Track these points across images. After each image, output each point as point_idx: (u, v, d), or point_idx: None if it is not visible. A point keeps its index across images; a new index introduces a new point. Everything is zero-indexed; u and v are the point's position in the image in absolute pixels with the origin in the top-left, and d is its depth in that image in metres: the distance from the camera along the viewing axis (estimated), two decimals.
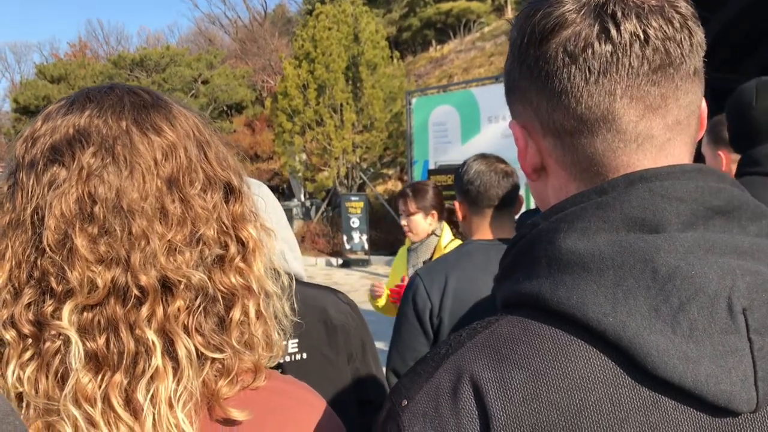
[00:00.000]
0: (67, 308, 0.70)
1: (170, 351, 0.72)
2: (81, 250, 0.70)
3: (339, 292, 1.70)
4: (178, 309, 0.73)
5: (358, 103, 17.71)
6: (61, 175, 0.73)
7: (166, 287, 0.73)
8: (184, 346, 0.72)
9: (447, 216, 3.37)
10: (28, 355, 0.70)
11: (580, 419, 0.59)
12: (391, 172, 20.90)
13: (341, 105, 17.49)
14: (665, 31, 0.66)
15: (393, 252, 16.10)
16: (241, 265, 0.79)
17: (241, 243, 0.80)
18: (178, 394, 0.71)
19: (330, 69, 17.30)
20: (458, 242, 3.25)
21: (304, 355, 1.51)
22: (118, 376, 0.70)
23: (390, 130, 18.22)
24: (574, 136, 0.69)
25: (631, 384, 0.59)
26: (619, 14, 0.66)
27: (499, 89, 13.78)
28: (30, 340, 0.71)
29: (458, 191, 2.19)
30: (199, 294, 0.74)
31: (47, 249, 0.70)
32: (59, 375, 0.70)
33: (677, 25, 0.67)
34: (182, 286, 0.73)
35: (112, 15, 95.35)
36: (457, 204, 2.21)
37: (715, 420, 0.58)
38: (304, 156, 18.51)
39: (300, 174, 18.72)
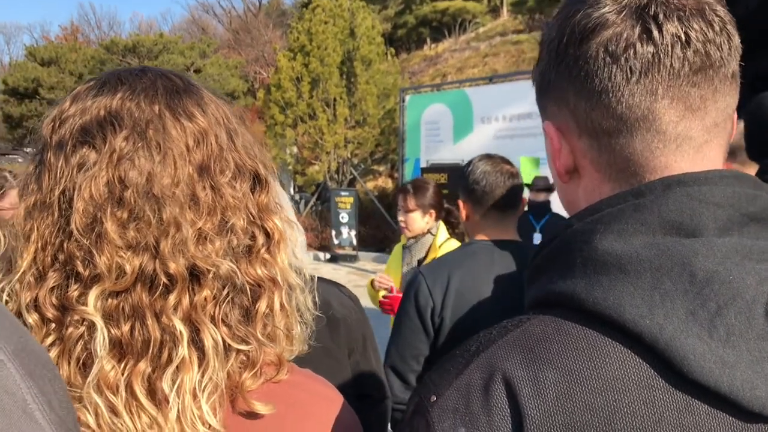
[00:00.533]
0: (93, 293, 0.68)
1: (196, 341, 0.71)
2: (111, 234, 0.68)
3: (342, 286, 1.70)
4: (205, 299, 0.71)
5: (351, 98, 17.67)
6: (90, 157, 0.71)
7: (194, 276, 0.72)
8: (210, 336, 0.71)
9: (444, 216, 3.37)
10: (50, 340, 0.69)
11: (614, 420, 0.59)
12: (381, 168, 20.89)
13: (335, 99, 17.45)
14: (706, 34, 0.66)
15: (381, 248, 16.12)
16: (266, 256, 0.78)
17: (267, 234, 0.79)
18: (203, 386, 0.70)
19: (325, 63, 17.24)
20: (453, 242, 3.25)
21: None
22: (142, 365, 0.69)
23: (382, 126, 18.20)
24: (613, 135, 0.69)
25: (665, 387, 0.59)
26: (661, 16, 0.66)
27: (493, 90, 13.79)
28: (53, 325, 0.69)
29: (463, 191, 2.18)
30: (227, 284, 0.73)
31: (75, 232, 0.69)
32: (81, 361, 0.69)
33: (717, 28, 0.67)
34: (210, 276, 0.72)
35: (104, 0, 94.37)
36: (461, 203, 2.21)
37: (749, 426, 0.58)
38: (295, 149, 18.46)
39: (290, 167, 18.67)
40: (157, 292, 0.70)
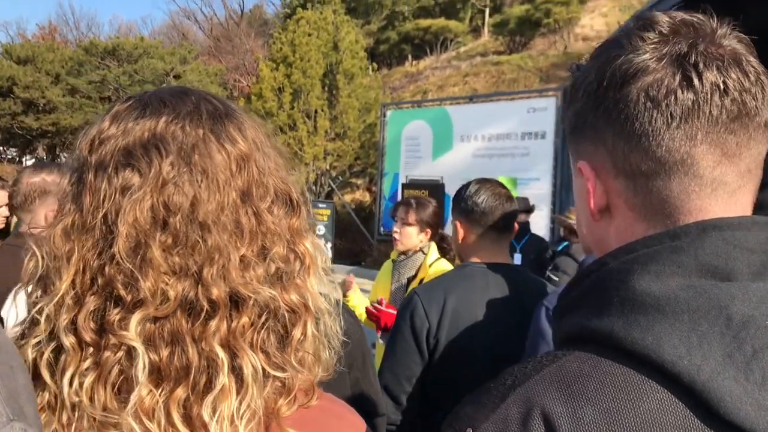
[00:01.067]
0: (135, 319, 0.67)
1: (234, 367, 0.71)
2: (157, 260, 0.68)
3: (342, 302, 1.70)
4: (244, 325, 0.71)
5: (332, 110, 17.72)
6: (134, 180, 0.71)
7: (234, 302, 0.72)
8: (250, 363, 0.70)
9: (438, 240, 3.36)
10: (87, 364, 0.68)
11: None
12: (360, 182, 20.90)
13: (316, 111, 17.47)
14: (742, 83, 0.69)
15: (357, 262, 16.08)
16: (299, 281, 0.78)
17: (299, 259, 0.80)
18: (240, 413, 0.69)
19: (307, 75, 17.27)
20: (444, 262, 3.24)
21: None
22: (180, 391, 0.68)
23: (362, 140, 18.26)
24: (650, 177, 0.71)
25: (701, 427, 0.60)
26: (701, 65, 0.68)
27: (473, 109, 13.90)
28: (91, 349, 0.68)
29: (461, 212, 2.20)
30: (264, 311, 0.73)
31: (118, 256, 0.68)
32: (116, 386, 0.68)
33: (752, 78, 0.70)
34: (251, 302, 0.71)
35: (84, 0, 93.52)
36: (457, 224, 2.22)
37: None
38: None
39: None
40: (199, 319, 0.70)
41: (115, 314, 0.68)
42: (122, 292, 0.68)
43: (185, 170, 0.72)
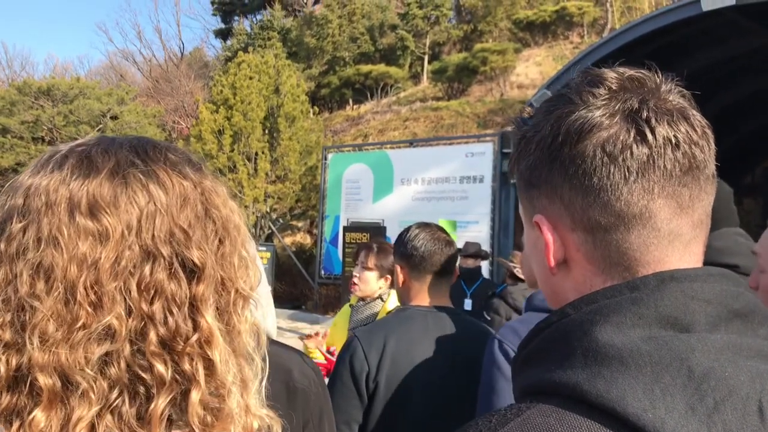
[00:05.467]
0: None
1: None
2: None
3: (305, 355, 1.68)
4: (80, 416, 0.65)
5: (273, 153, 17.68)
6: None
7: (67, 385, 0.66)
8: None
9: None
10: None
11: None
12: (300, 224, 20.78)
13: (256, 154, 17.40)
14: (691, 137, 0.71)
15: (297, 306, 15.88)
16: (189, 350, 0.70)
17: (196, 330, 0.71)
18: None
19: (248, 117, 17.24)
20: None
21: None
22: None
23: (303, 182, 18.25)
24: (609, 231, 0.72)
25: None
26: (653, 120, 0.71)
27: (413, 153, 14.15)
28: None
29: (401, 256, 2.24)
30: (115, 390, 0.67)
31: None
32: None
33: (699, 132, 0.72)
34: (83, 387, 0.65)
35: (18, 39, 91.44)
36: (398, 268, 2.25)
37: None
38: None
39: None
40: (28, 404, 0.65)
41: None
42: None
43: (33, 241, 0.68)
